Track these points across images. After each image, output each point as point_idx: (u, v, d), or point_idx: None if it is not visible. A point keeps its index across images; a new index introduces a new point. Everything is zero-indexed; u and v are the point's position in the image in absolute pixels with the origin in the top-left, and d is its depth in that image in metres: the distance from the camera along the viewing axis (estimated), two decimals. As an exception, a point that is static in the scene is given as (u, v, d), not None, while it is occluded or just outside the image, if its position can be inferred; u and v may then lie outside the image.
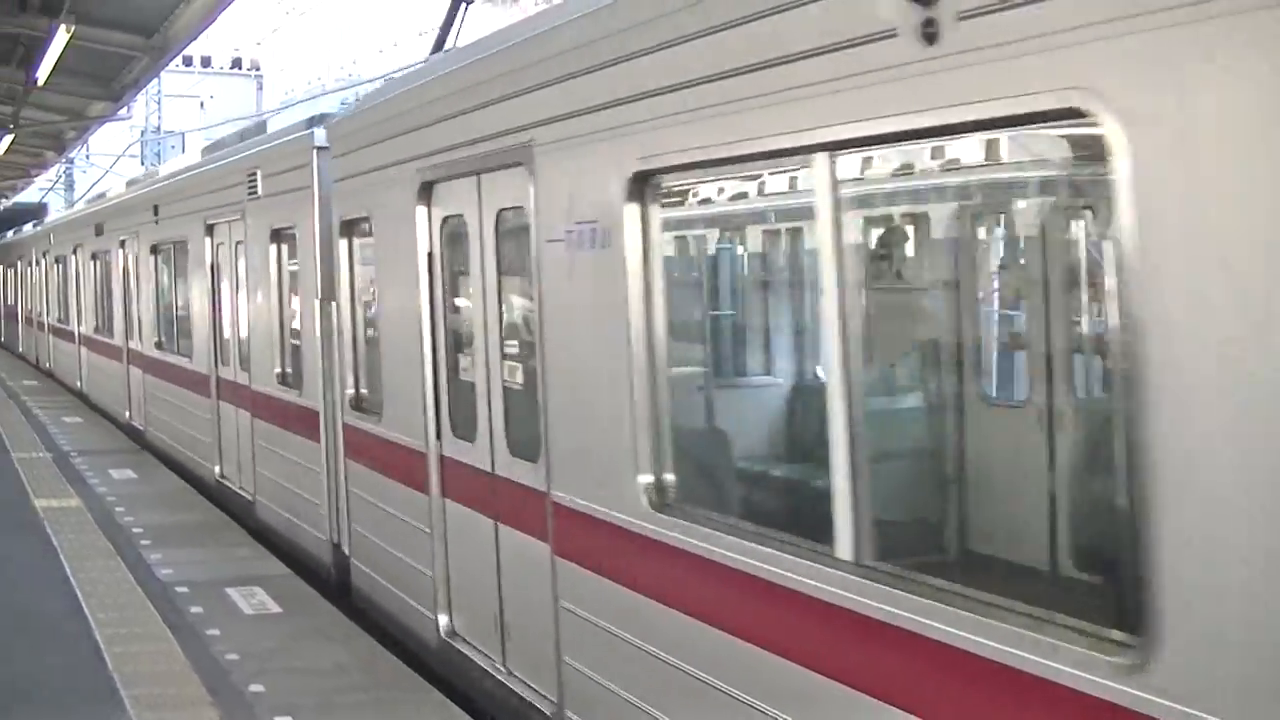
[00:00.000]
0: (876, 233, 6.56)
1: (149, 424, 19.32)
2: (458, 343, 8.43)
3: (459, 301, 8.52)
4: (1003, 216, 6.62)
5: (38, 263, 33.63)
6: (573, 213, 6.43)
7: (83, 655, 8.75)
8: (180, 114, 59.40)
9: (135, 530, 12.84)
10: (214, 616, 9.74)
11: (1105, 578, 4.76)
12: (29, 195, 49.68)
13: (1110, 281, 4.77)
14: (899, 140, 4.62)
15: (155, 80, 35.41)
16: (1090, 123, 3.59)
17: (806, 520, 5.19)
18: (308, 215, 11.25)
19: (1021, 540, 5.70)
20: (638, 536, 6.00)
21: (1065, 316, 5.93)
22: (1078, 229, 6.00)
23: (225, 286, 14.56)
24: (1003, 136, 5.03)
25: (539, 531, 7.04)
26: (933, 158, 5.57)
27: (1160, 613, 3.42)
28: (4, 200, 48.53)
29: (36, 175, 41.44)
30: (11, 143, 27.52)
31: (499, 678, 7.67)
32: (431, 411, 8.47)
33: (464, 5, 10.37)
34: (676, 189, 6.48)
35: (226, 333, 14.58)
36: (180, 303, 17.45)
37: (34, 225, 38.38)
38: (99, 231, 23.34)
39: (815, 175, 4.82)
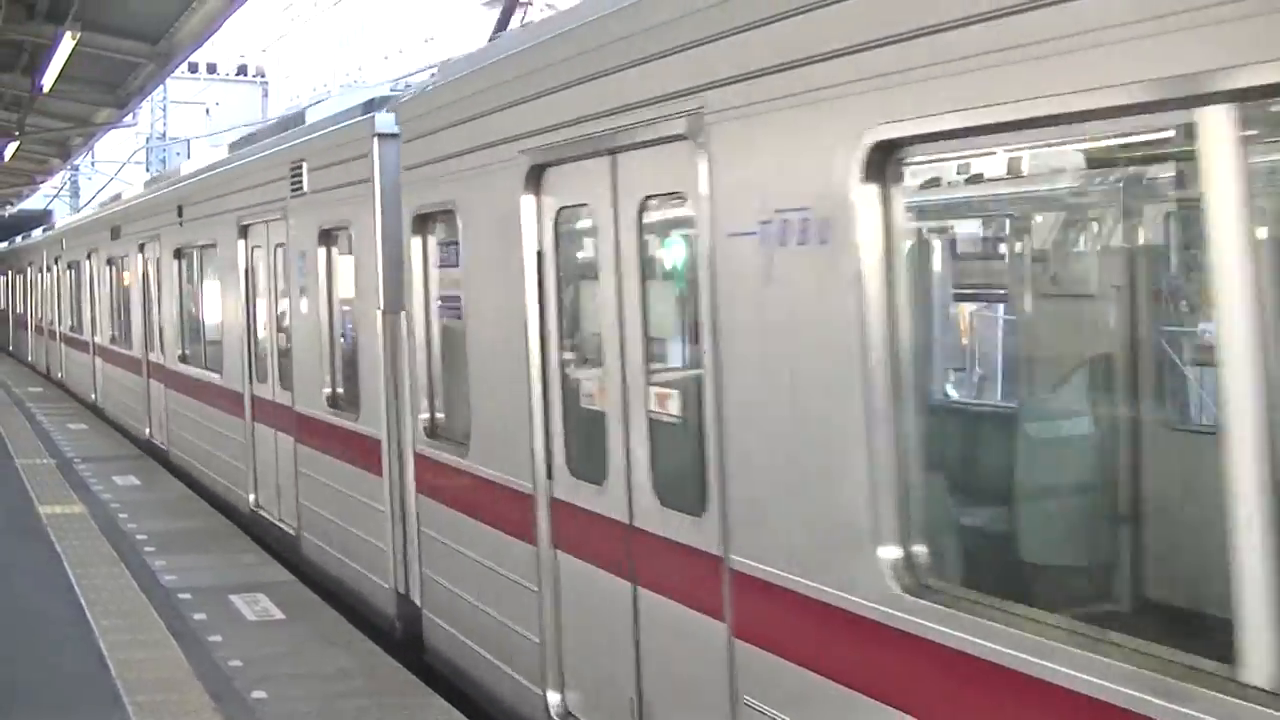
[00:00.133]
0: None
1: (172, 443, 17.90)
2: (578, 363, 7.15)
3: (581, 312, 7.26)
4: None
5: (49, 268, 32.13)
6: (770, 198, 5.02)
7: (86, 661, 8.75)
8: (186, 121, 59.53)
9: (139, 537, 12.84)
10: (217, 623, 9.75)
11: None
12: (34, 202, 49.72)
13: None
14: None
15: (161, 87, 35.49)
16: None
17: (1183, 629, 4.44)
18: (367, 211, 9.79)
19: None
20: (879, 626, 4.56)
21: None
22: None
23: (263, 295, 13.10)
24: None
25: (706, 605, 5.65)
26: None
27: None
28: (9, 207, 48.58)
29: (42, 182, 41.51)
30: (17, 150, 27.57)
31: None
32: (541, 445, 7.10)
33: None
34: (938, 164, 5.31)
35: (264, 347, 13.13)
36: (208, 312, 16.07)
37: (43, 230, 37.69)
38: (115, 235, 22.01)
39: (1209, 137, 3.37)
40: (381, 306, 9.63)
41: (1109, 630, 3.77)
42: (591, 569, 6.71)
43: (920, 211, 5.78)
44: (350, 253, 10.47)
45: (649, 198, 6.15)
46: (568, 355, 7.13)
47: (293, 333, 12.10)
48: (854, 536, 4.63)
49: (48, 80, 18.42)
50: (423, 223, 8.88)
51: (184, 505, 14.80)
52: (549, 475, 7.08)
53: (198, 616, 9.91)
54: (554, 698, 7.11)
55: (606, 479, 6.50)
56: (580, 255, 7.21)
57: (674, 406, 6.11)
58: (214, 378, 15.06)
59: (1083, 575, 5.60)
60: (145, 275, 19.41)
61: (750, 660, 5.33)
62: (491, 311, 7.81)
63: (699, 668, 5.71)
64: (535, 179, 7.08)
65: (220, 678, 8.45)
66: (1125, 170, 5.66)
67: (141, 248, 19.51)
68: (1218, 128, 3.30)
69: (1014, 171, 5.88)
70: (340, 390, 11.00)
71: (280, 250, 12.22)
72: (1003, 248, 6.97)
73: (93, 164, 49.36)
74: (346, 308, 10.98)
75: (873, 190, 4.53)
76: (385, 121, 9.66)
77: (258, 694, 8.17)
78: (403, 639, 9.47)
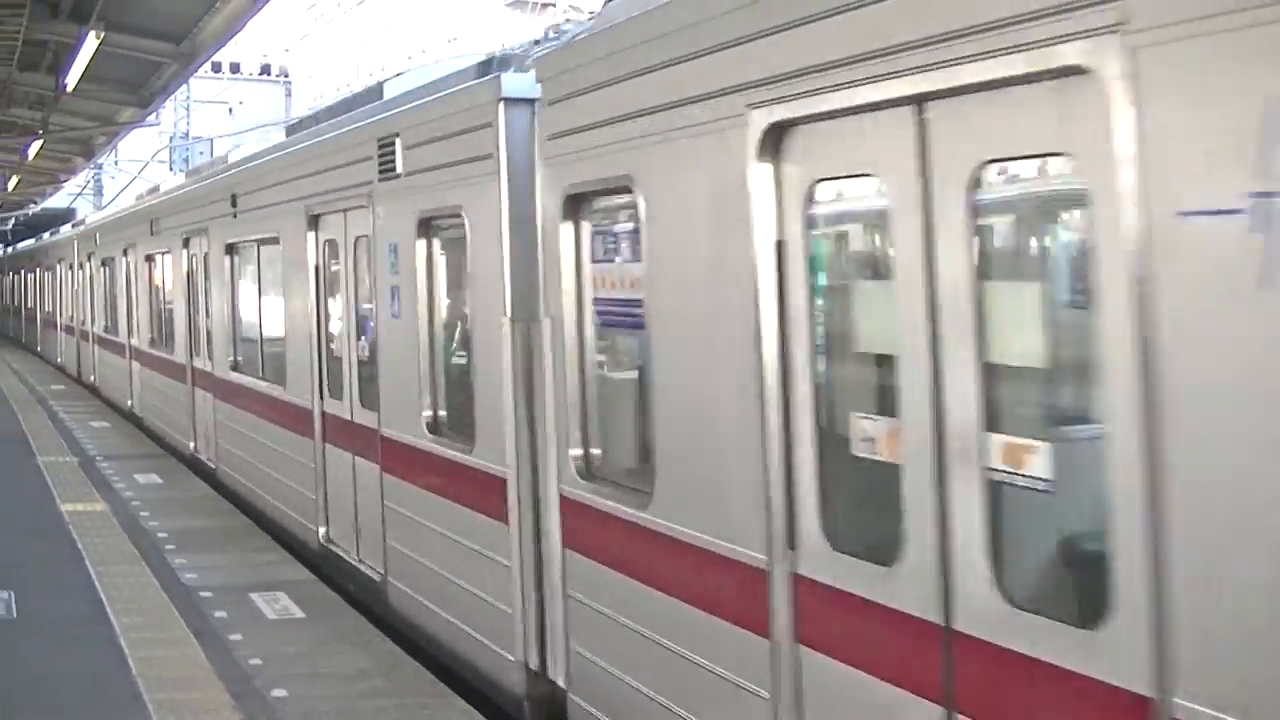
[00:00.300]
0: None
1: (221, 460, 15.99)
2: (842, 394, 5.41)
3: (851, 325, 5.37)
4: None
5: (81, 266, 30.13)
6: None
7: (107, 659, 8.78)
8: (209, 120, 59.77)
9: (160, 535, 12.87)
10: (238, 621, 9.76)
11: None
12: (57, 201, 49.92)
13: None
14: None
15: (184, 86, 35.60)
16: None
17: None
18: (489, 194, 8.00)
19: None
20: None
21: None
22: None
23: (338, 296, 11.20)
24: None
25: None
26: None
27: None
28: (33, 205, 48.78)
29: (65, 181, 41.62)
30: (41, 148, 27.71)
31: None
32: (780, 503, 5.36)
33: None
34: None
35: (340, 358, 11.22)
36: (268, 316, 13.97)
37: (73, 225, 36.59)
38: (155, 229, 20.14)
39: None
40: (509, 312, 7.83)
41: None
42: (863, 679, 5.00)
43: None
44: (463, 246, 8.64)
45: (989, 163, 4.45)
46: (823, 382, 5.34)
47: (380, 342, 10.12)
48: None
49: (72, 79, 18.51)
50: (576, 205, 7.10)
51: (205, 504, 14.83)
52: (790, 544, 5.34)
53: (218, 615, 9.93)
54: None
55: (901, 558, 4.78)
56: (851, 246, 5.58)
57: (1040, 466, 4.30)
58: (275, 390, 13.21)
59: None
60: (190, 273, 17.52)
61: None
62: (693, 320, 5.98)
63: None
64: (773, 141, 5.34)
65: (240, 676, 8.47)
66: None
67: (186, 242, 17.61)
68: None
69: None
70: (444, 413, 9.25)
71: (362, 244, 10.48)
72: None
73: (116, 163, 49.58)
74: (455, 313, 9.37)
75: None
76: (516, 84, 7.91)
77: (278, 693, 8.18)
78: None
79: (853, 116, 4.92)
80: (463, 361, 8.98)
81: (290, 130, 14.69)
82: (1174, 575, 3.65)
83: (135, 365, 22.55)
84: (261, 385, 13.87)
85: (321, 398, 11.62)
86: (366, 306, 10.56)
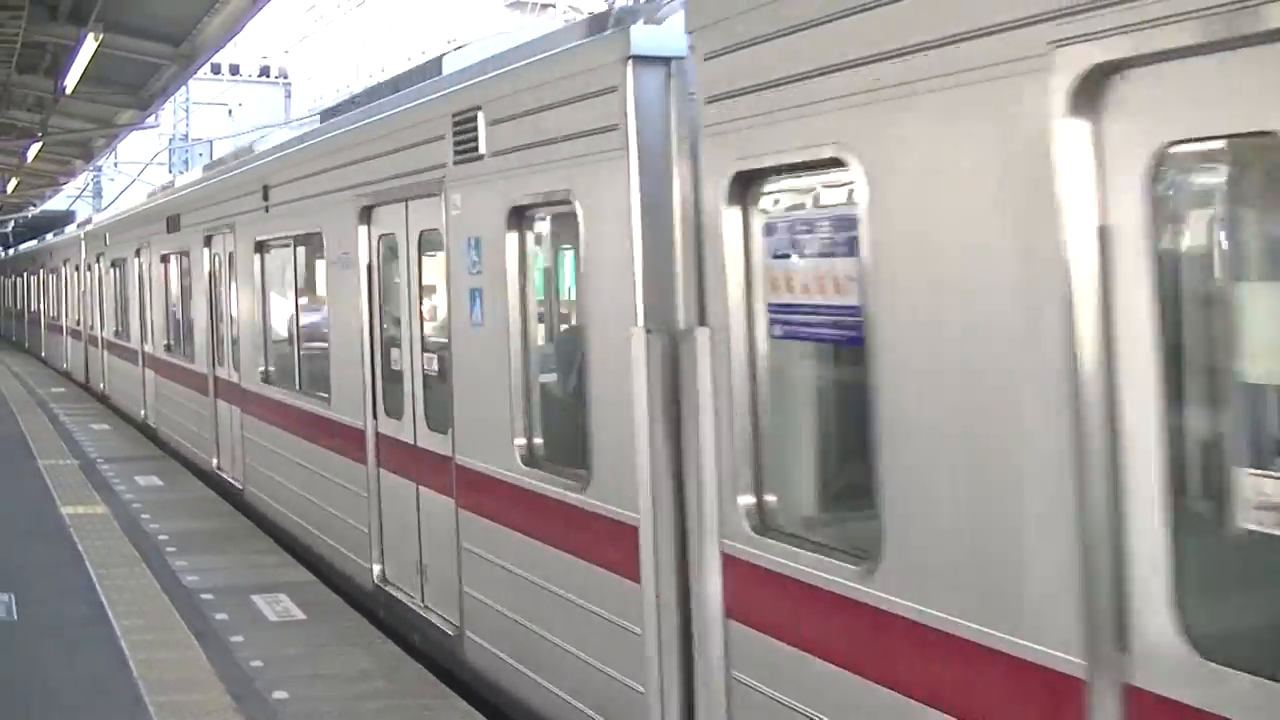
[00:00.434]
0: None
1: (249, 480, 14.48)
2: (1230, 445, 3.93)
3: (1239, 345, 3.84)
4: None
5: (89, 267, 28.44)
6: None
7: (108, 661, 8.77)
8: (208, 121, 59.77)
9: (161, 537, 12.86)
10: (238, 623, 9.75)
11: None
12: (57, 203, 49.92)
13: None
14: None
15: (183, 88, 35.61)
16: None
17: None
18: (612, 176, 6.51)
19: None
20: None
21: None
22: None
23: (399, 302, 9.73)
24: None
25: None
26: None
27: None
28: (32, 208, 48.77)
29: (65, 183, 41.65)
30: (40, 151, 27.70)
31: None
32: (1105, 588, 3.92)
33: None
34: None
35: (399, 372, 9.75)
36: (307, 322, 12.78)
37: (78, 225, 35.15)
38: (173, 226, 18.40)
39: None
40: (641, 320, 6.33)
41: None
42: None
43: None
44: (571, 240, 7.40)
45: None
46: (1180, 423, 3.86)
47: (455, 355, 8.58)
48: None
49: (70, 81, 18.51)
50: (747, 187, 5.67)
51: (205, 505, 14.81)
52: (1121, 645, 3.87)
53: (219, 617, 9.92)
54: None
55: None
56: (1226, 231, 3.99)
57: None
58: (316, 407, 11.70)
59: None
60: (212, 274, 16.01)
61: None
62: (955, 334, 4.52)
63: None
64: (1091, 87, 3.89)
65: (241, 678, 8.45)
66: None
67: (208, 241, 16.04)
68: None
69: None
70: (542, 442, 7.75)
71: (430, 239, 9.11)
72: None
73: (115, 165, 49.55)
74: (561, 321, 8.44)
75: None
76: (648, 38, 6.43)
77: (279, 694, 8.17)
78: None
79: (1247, 49, 3.47)
80: (570, 380, 7.70)
81: (326, 115, 13.15)
82: None
83: (149, 374, 21.14)
84: (299, 401, 12.36)
85: (375, 417, 10.17)
86: (436, 311, 9.23)
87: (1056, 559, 4.08)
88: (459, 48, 11.15)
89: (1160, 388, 3.82)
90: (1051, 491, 4.08)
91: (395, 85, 10.86)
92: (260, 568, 11.63)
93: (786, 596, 5.44)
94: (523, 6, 58.82)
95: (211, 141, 48.87)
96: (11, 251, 55.44)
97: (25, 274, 45.71)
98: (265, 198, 13.16)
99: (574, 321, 7.88)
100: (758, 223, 5.68)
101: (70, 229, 36.91)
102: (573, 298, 7.92)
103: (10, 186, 36.84)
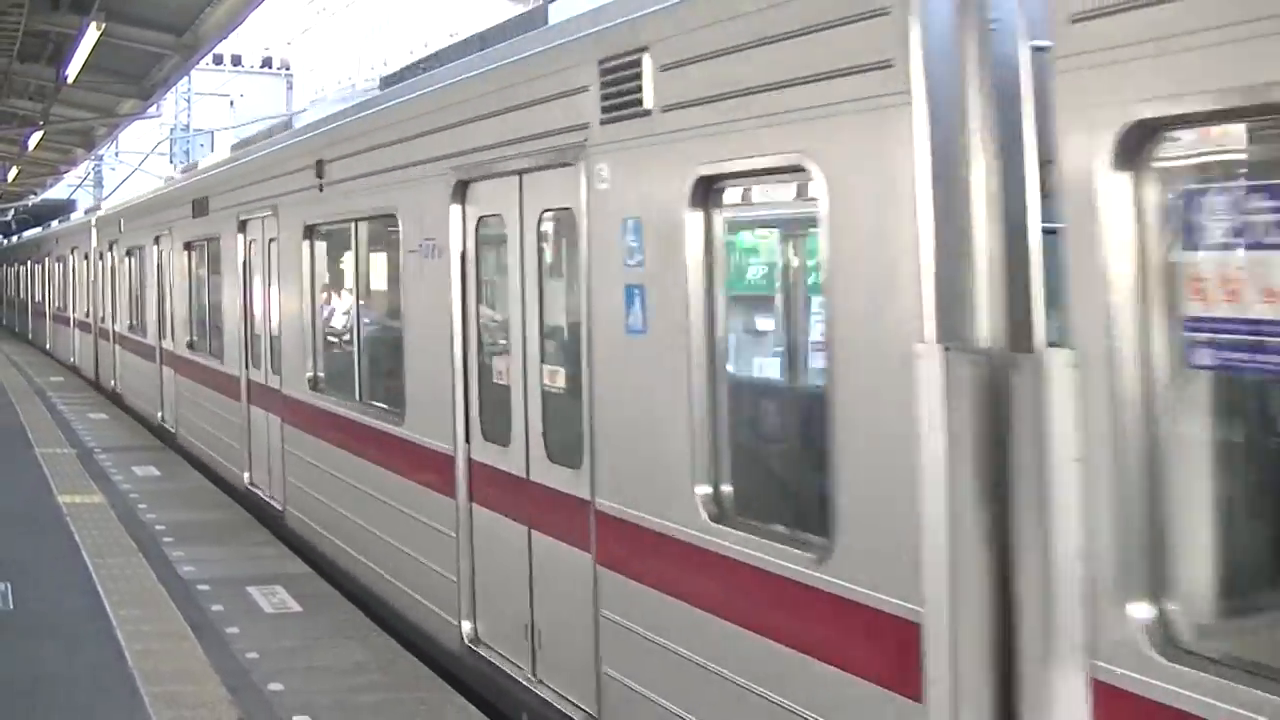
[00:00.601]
0: None
1: (291, 502, 12.62)
2: None
3: None
4: None
5: (101, 255, 26.49)
6: None
7: (103, 652, 8.75)
8: (210, 112, 59.71)
9: (158, 527, 12.85)
10: (235, 615, 9.74)
11: None
12: (57, 192, 49.91)
13: None
14: None
15: (185, 78, 35.61)
16: None
17: None
18: (880, 134, 4.86)
19: None
20: None
21: None
22: None
23: (508, 299, 7.88)
24: None
25: None
26: None
27: None
28: (33, 196, 48.77)
29: (66, 172, 41.65)
30: (41, 139, 27.72)
31: None
32: None
33: None
34: None
35: (507, 388, 7.89)
36: (370, 323, 11.29)
37: (87, 211, 33.29)
38: (201, 211, 16.49)
39: None
40: (931, 334, 4.61)
41: None
42: None
43: None
44: (801, 222, 5.95)
45: None
46: None
47: (594, 368, 6.78)
48: None
49: (72, 71, 18.52)
50: (1143, 142, 3.87)
51: (203, 496, 14.81)
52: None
53: (215, 608, 9.91)
54: None
55: None
56: None
57: None
58: (384, 422, 9.98)
59: None
60: (247, 263, 14.23)
61: None
62: None
63: None
64: None
65: (237, 669, 8.45)
66: None
67: (243, 226, 14.23)
68: None
69: None
70: (736, 490, 5.92)
71: (559, 221, 7.45)
72: None
73: (116, 154, 49.59)
74: (777, 331, 6.53)
75: None
76: None
77: (274, 686, 8.16)
78: None
79: None
80: (788, 411, 6.36)
81: (389, 82, 11.01)
82: None
83: (169, 373, 19.30)
84: (360, 414, 10.60)
85: (468, 441, 8.40)
86: (562, 314, 7.57)
87: None
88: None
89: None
90: None
91: (483, 42, 9.02)
92: (257, 559, 11.62)
93: None
94: (526, 0, 58.79)
95: (213, 132, 48.88)
96: (14, 239, 53.88)
97: (30, 262, 43.91)
98: (319, 174, 11.34)
99: (805, 333, 6.02)
100: (1156, 196, 3.89)
101: (78, 215, 35.70)
102: (794, 298, 6.26)
103: (11, 175, 36.86)
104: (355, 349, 11.26)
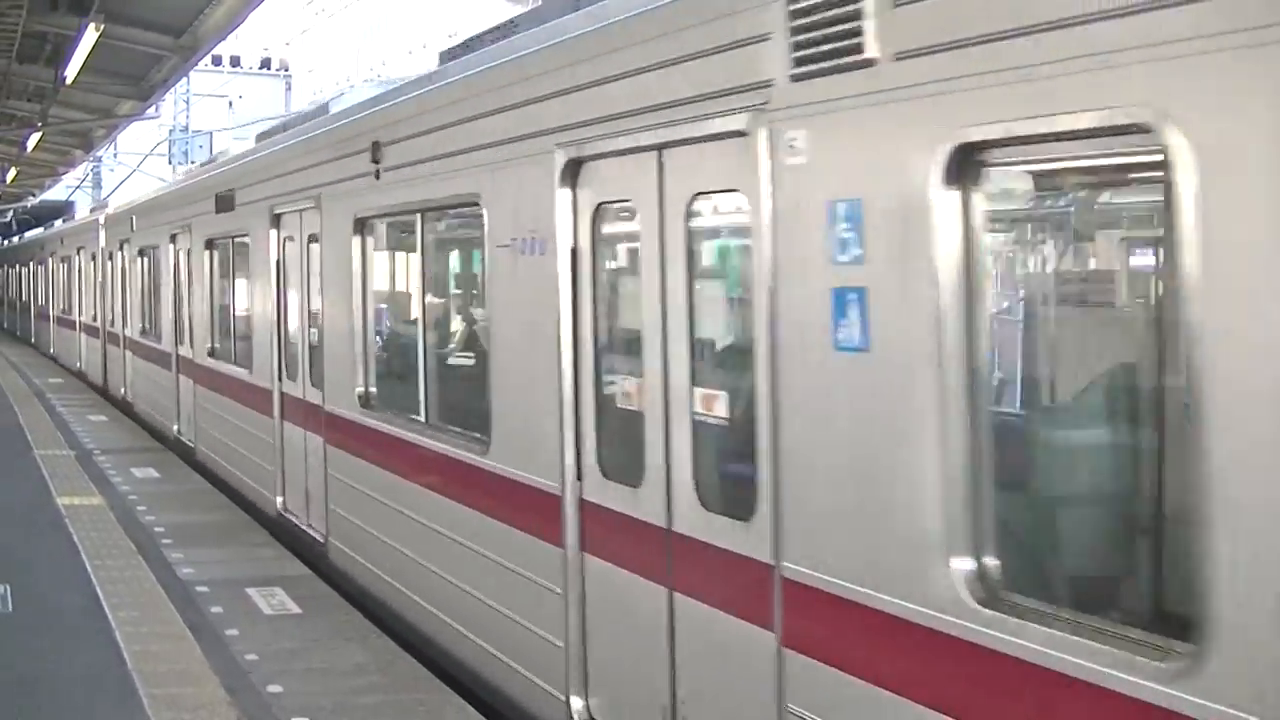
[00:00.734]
0: None
1: (338, 534, 11.04)
2: None
3: None
4: None
5: (110, 256, 25.12)
6: None
7: (102, 653, 8.74)
8: (209, 113, 59.70)
9: (157, 529, 12.84)
10: (234, 616, 9.73)
11: None
12: (55, 194, 49.90)
13: None
14: None
15: (184, 79, 35.61)
16: None
17: None
18: None
19: None
20: None
21: None
22: None
23: (647, 307, 6.31)
24: None
25: None
26: None
27: None
28: (31, 198, 48.76)
29: (64, 174, 41.63)
30: (39, 140, 27.72)
31: None
32: None
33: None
34: None
35: (638, 414, 6.45)
36: (444, 333, 9.91)
37: (92, 210, 32.16)
38: (226, 205, 14.84)
39: None
40: None
41: None
42: None
43: None
44: (1152, 208, 4.47)
45: None
46: None
47: (781, 395, 5.33)
48: None
49: (71, 72, 18.52)
50: None
51: (202, 498, 14.79)
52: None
53: (214, 610, 9.90)
54: None
55: None
56: None
57: None
58: (461, 450, 8.45)
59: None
60: (281, 264, 12.81)
61: None
62: None
63: None
64: None
65: (236, 671, 8.44)
66: None
67: (277, 221, 12.78)
68: None
69: None
70: (999, 563, 4.44)
71: (709, 209, 6.14)
72: None
73: (115, 155, 49.58)
74: (1097, 358, 5.04)
75: None
76: None
77: (273, 688, 8.15)
78: None
79: None
80: (1105, 466, 4.79)
81: (448, 57, 9.69)
82: None
83: (186, 382, 17.81)
84: (430, 440, 9.09)
85: (580, 477, 6.94)
86: (726, 325, 6.35)
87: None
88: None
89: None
90: None
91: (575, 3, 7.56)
92: (256, 561, 11.60)
93: None
94: (523, 0, 58.79)
95: (211, 133, 48.87)
96: (16, 239, 53.08)
97: (33, 263, 42.25)
98: (376, 158, 9.83)
99: (1160, 362, 4.41)
100: None
101: (83, 213, 34.75)
102: (1132, 307, 4.94)
103: (10, 176, 36.85)
104: (421, 363, 9.48)
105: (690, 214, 6.04)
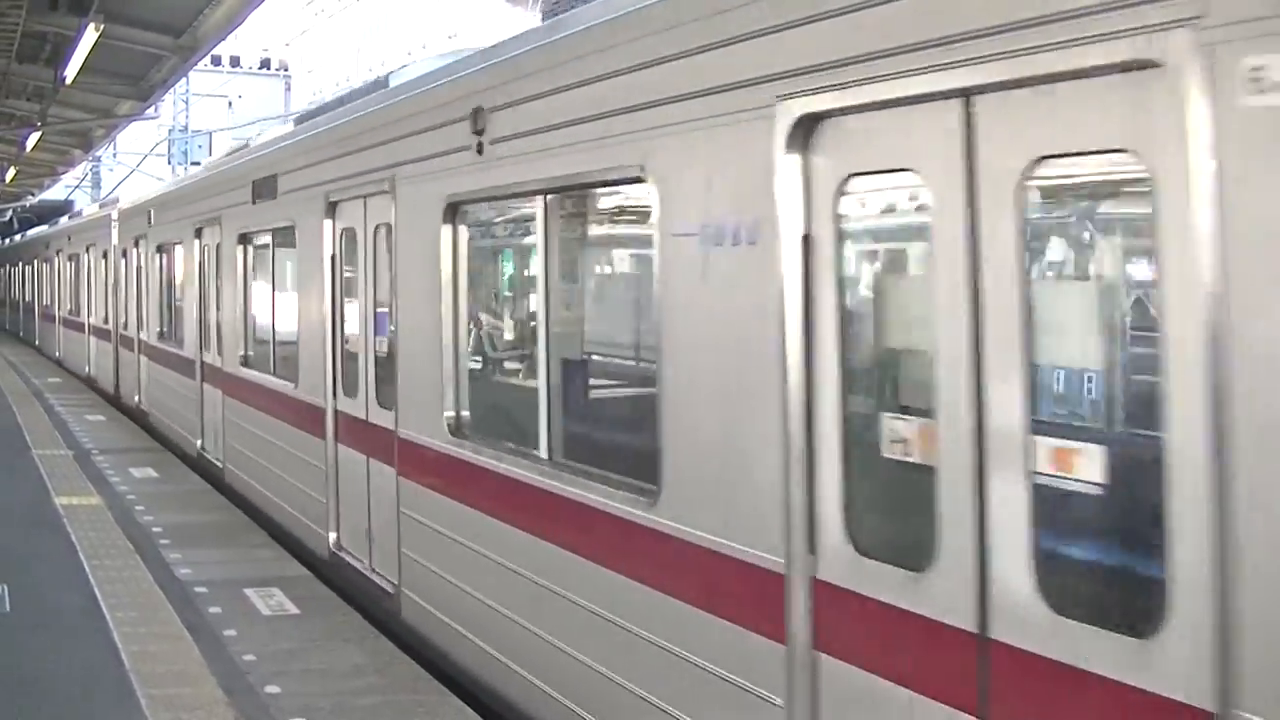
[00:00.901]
0: None
1: (408, 583, 9.31)
2: None
3: None
4: None
5: (124, 254, 23.32)
6: None
7: (100, 654, 8.73)
8: (208, 113, 59.74)
9: (155, 529, 12.82)
10: (232, 617, 9.72)
11: None
12: (54, 193, 49.90)
13: None
14: None
15: (184, 79, 35.61)
16: None
17: None
18: None
19: None
20: None
21: None
22: None
23: (951, 328, 4.50)
24: None
25: None
26: None
27: None
28: (30, 197, 48.76)
29: (63, 173, 41.64)
30: (39, 140, 27.71)
31: None
32: None
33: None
34: None
35: (949, 476, 4.55)
36: (570, 349, 7.70)
37: (101, 205, 30.18)
38: (266, 193, 13.18)
39: None
40: None
41: None
42: None
43: None
44: None
45: None
46: None
47: (1241, 469, 3.55)
48: None
49: (70, 72, 18.53)
50: None
51: (200, 498, 14.78)
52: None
53: (213, 610, 9.89)
54: None
55: None
56: None
57: None
58: (616, 505, 6.47)
59: None
60: (338, 260, 11.04)
61: None
62: None
63: None
64: None
65: (234, 672, 8.43)
66: None
67: (333, 210, 10.96)
68: None
69: None
70: None
71: (1060, 176, 4.37)
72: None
73: (114, 155, 49.59)
74: None
75: None
76: None
77: (271, 689, 8.14)
78: None
79: None
80: None
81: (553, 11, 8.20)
82: None
83: (213, 393, 15.97)
84: (559, 482, 7.08)
85: (812, 549, 5.15)
86: (1105, 351, 4.40)
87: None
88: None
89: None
90: None
91: None
92: (254, 562, 11.59)
93: None
94: (523, 2, 58.78)
95: (210, 134, 48.87)
96: (17, 238, 51.53)
97: (36, 261, 40.40)
98: (478, 128, 7.99)
99: None
100: None
101: (90, 208, 33.26)
102: None
103: (9, 176, 36.84)
104: (543, 385, 7.50)
105: (1024, 188, 4.27)
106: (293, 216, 12.17)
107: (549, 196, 7.52)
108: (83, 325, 29.13)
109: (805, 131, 5.10)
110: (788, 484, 5.19)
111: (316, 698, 8.02)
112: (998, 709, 4.34)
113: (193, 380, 17.00)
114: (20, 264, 46.29)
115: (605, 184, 7.04)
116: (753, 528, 5.42)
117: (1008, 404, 4.32)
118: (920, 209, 4.73)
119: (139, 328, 21.92)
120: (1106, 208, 4.45)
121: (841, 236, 5.06)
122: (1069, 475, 4.25)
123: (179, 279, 18.51)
